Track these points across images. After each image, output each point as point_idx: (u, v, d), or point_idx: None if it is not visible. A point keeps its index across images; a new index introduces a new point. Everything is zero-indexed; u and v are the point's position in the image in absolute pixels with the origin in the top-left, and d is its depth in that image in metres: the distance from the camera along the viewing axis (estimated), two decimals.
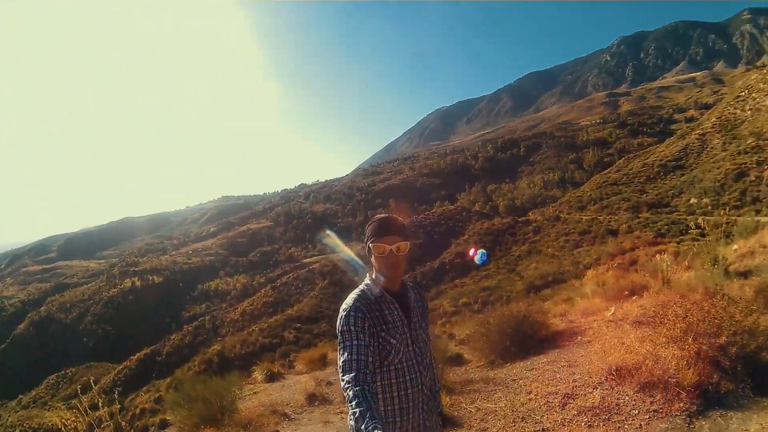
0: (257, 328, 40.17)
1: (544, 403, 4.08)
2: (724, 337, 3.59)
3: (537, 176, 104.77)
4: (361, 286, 1.81)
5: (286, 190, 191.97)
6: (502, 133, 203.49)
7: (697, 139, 74.23)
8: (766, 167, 47.83)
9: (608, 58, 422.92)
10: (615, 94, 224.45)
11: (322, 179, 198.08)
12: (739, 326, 3.55)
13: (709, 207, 46.70)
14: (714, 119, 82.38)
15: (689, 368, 3.54)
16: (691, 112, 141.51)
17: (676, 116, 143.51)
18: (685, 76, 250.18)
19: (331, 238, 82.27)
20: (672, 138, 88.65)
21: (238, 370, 11.75)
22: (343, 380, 1.56)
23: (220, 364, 28.91)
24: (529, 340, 5.70)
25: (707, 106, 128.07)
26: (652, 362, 3.83)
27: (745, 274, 6.05)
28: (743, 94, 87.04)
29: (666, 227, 43.67)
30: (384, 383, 1.72)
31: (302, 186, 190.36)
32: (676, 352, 3.73)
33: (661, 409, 3.48)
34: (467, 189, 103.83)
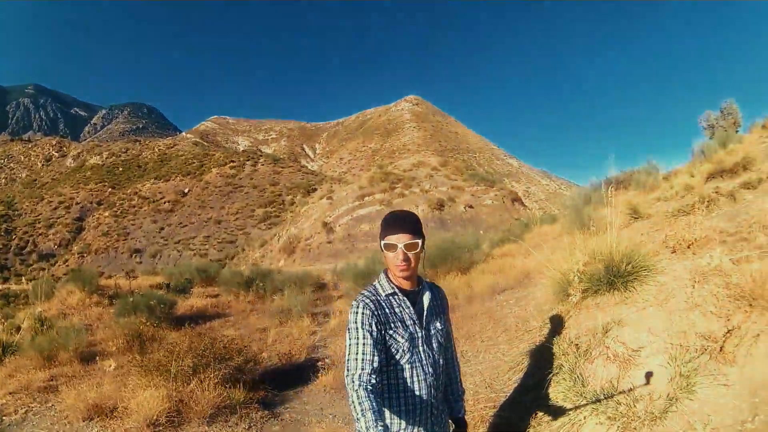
0: None
1: None
2: (238, 360, 4.48)
3: None
4: (375, 282, 1.77)
5: None
6: None
7: None
8: (14, 236, 54.61)
9: None
10: None
11: None
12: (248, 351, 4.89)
13: None
14: None
15: (234, 389, 4.13)
16: None
17: None
18: None
19: None
20: None
21: None
22: (346, 378, 1.54)
23: None
24: None
25: None
26: (194, 398, 4.02)
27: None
28: (1, 162, 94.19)
29: None
30: (392, 382, 1.67)
31: None
32: (197, 384, 4.09)
33: (251, 422, 4.04)
34: None
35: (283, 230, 33.60)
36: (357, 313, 1.63)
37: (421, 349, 1.71)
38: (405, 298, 1.73)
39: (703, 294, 3.02)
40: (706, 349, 2.51)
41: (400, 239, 1.65)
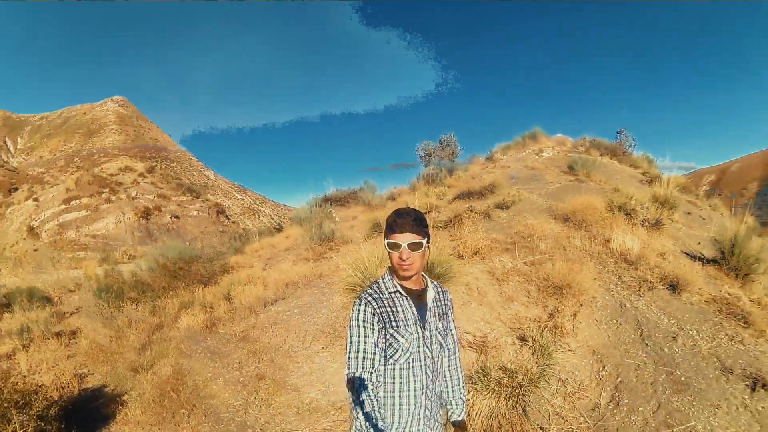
0: None
1: None
2: (38, 405, 3.51)
3: None
4: (378, 280, 1.75)
5: None
6: None
7: None
8: None
9: None
10: None
11: None
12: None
13: None
14: None
15: None
16: None
17: None
18: None
19: None
20: None
21: None
22: (346, 376, 1.58)
23: None
24: None
25: None
26: None
27: None
28: None
29: None
30: (388, 380, 1.65)
31: None
32: None
33: None
34: None
35: None
36: (359, 310, 1.61)
37: (420, 349, 1.68)
38: (408, 297, 1.70)
39: (512, 289, 4.30)
40: (544, 327, 3.63)
41: (405, 238, 1.62)
